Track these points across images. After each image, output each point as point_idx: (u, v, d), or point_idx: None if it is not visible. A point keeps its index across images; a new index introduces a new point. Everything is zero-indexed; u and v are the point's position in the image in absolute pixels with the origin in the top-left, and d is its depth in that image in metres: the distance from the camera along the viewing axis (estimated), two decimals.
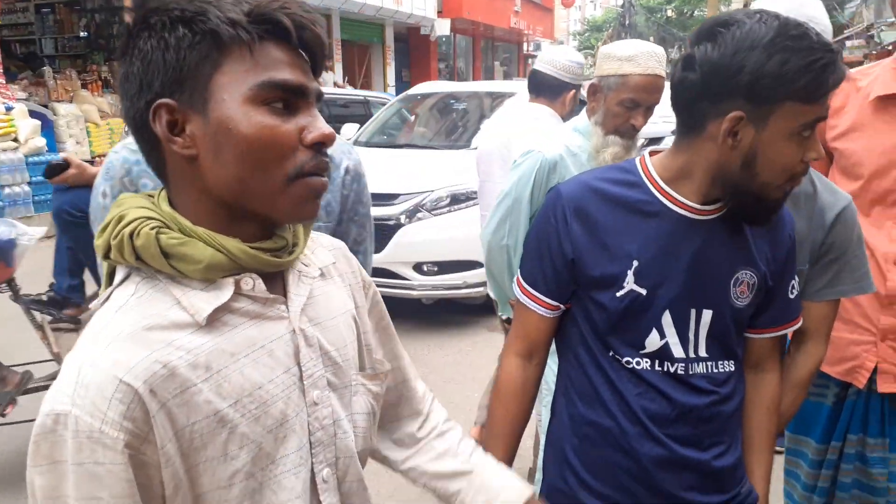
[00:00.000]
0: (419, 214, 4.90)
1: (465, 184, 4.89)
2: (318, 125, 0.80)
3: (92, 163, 5.77)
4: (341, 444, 0.91)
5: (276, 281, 0.87)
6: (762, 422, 1.35)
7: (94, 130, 9.72)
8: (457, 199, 4.95)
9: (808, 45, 1.04)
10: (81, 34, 12.01)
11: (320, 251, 0.98)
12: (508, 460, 1.37)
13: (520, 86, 6.80)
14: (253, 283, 0.82)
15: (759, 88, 1.06)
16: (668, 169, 1.21)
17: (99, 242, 0.81)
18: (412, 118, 6.83)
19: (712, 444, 1.26)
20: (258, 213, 0.81)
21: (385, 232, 4.74)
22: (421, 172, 5.19)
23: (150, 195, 0.85)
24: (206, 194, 0.80)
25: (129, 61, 0.78)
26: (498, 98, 6.27)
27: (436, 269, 4.82)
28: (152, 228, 0.77)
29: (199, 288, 0.79)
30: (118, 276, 0.81)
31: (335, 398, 0.91)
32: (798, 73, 1.04)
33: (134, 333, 0.75)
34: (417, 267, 4.83)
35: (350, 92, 10.64)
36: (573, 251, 1.24)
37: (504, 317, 2.58)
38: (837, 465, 1.87)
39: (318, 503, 0.88)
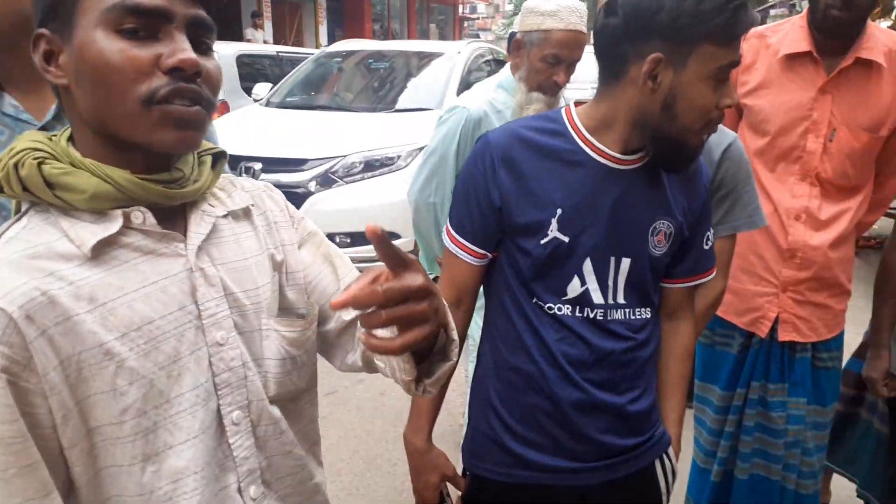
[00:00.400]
0: (330, 181, 4.57)
1: (381, 148, 4.64)
2: (177, 50, 0.76)
3: None
4: (252, 386, 0.89)
5: (178, 219, 0.85)
6: (676, 368, 1.41)
7: None
8: (371, 166, 4.65)
9: None
10: None
11: (238, 194, 0.95)
12: (436, 403, 1.39)
13: (448, 46, 6.53)
14: (143, 217, 0.80)
15: (677, 28, 1.09)
16: (591, 118, 1.24)
17: None
18: (335, 74, 6.48)
19: (628, 389, 1.30)
20: (125, 140, 0.78)
21: (293, 200, 4.50)
22: (334, 136, 4.82)
23: (54, 134, 0.84)
24: (84, 124, 0.80)
25: None
26: (426, 58, 6.05)
27: (349, 240, 4.44)
28: (35, 159, 0.77)
29: (87, 220, 0.78)
30: (24, 207, 0.81)
31: (242, 341, 0.89)
32: (713, 11, 1.08)
33: (16, 261, 0.75)
34: (329, 238, 4.59)
35: (262, 48, 9.77)
36: (500, 199, 1.25)
37: (432, 276, 2.59)
38: (742, 411, 1.96)
39: (228, 445, 0.87)
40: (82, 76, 0.76)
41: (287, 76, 6.45)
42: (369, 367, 1.00)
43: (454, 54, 5.93)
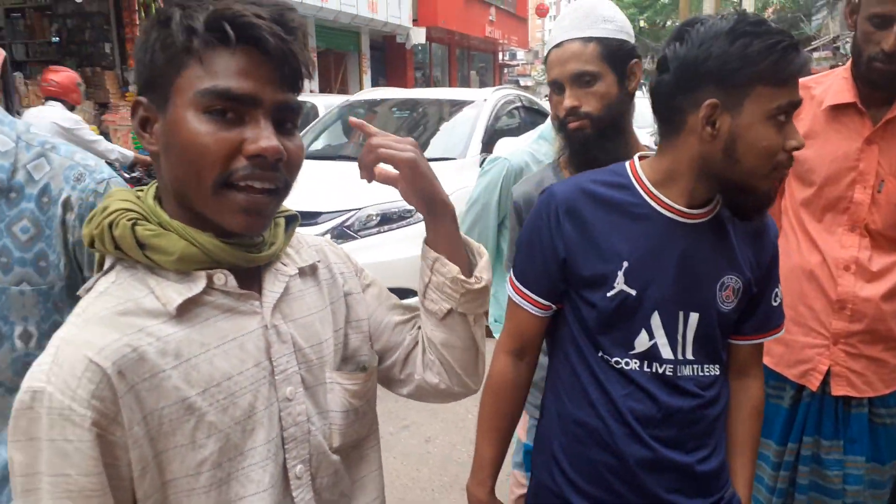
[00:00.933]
0: (346, 235, 4.35)
1: (398, 201, 4.30)
2: (260, 136, 0.80)
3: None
4: (314, 440, 0.93)
5: (253, 278, 0.90)
6: (746, 427, 1.38)
7: None
8: (388, 219, 4.42)
9: (766, 30, 1.11)
10: (53, 40, 11.85)
11: (306, 251, 1.00)
12: (499, 457, 1.41)
13: (476, 94, 6.39)
14: (225, 279, 0.85)
15: (726, 72, 1.11)
16: (655, 171, 1.25)
17: (85, 232, 0.85)
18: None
19: (696, 447, 1.28)
20: (202, 212, 0.83)
21: None
22: (351, 187, 4.46)
23: (141, 190, 0.89)
24: (170, 191, 0.85)
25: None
26: (454, 106, 5.90)
27: None
28: (129, 220, 0.82)
29: (173, 279, 0.83)
30: (106, 265, 0.85)
31: (309, 395, 0.93)
32: (761, 53, 1.10)
33: (108, 317, 0.79)
34: None
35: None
36: (565, 250, 1.27)
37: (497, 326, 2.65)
38: (795, 467, 1.91)
39: (291, 499, 0.90)
40: (170, 149, 0.81)
41: (310, 125, 6.37)
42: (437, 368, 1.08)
43: (481, 102, 5.77)
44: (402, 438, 3.41)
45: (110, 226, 0.82)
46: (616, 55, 1.51)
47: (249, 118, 0.81)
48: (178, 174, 0.82)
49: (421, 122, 6.06)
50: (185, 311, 0.82)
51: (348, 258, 1.09)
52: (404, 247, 4.25)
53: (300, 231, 1.03)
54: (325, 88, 16.05)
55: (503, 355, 1.40)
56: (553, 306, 1.34)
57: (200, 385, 0.81)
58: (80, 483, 0.74)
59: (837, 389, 1.82)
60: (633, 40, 1.57)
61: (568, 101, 1.51)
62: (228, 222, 0.83)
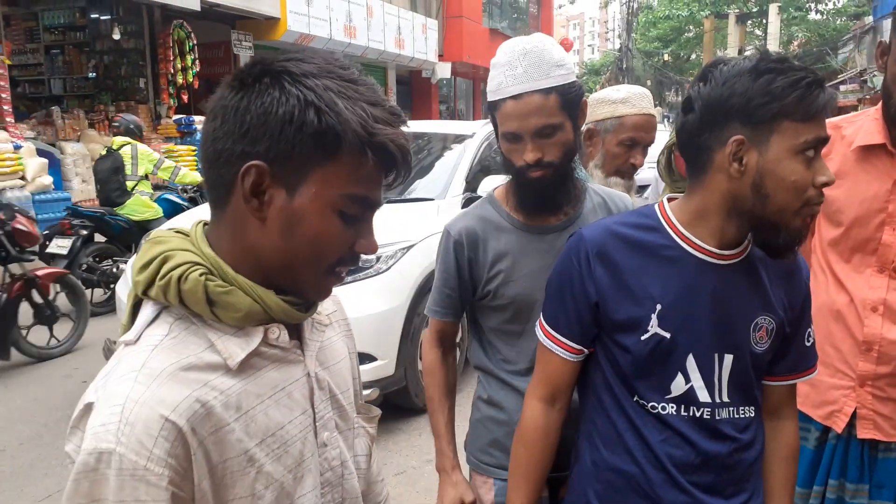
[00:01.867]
0: None
1: None
2: (371, 239, 0.88)
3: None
4: (347, 484, 0.96)
5: (293, 328, 0.93)
6: (782, 470, 1.36)
7: None
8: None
9: (789, 67, 1.12)
10: (90, 75, 12.23)
11: (326, 301, 1.03)
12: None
13: (471, 127, 5.71)
14: (279, 333, 0.88)
15: (751, 109, 1.11)
16: (685, 212, 1.25)
17: (140, 279, 0.84)
18: None
19: (735, 493, 1.26)
20: (291, 285, 0.87)
21: None
22: None
23: (186, 233, 0.89)
24: (253, 251, 0.85)
25: (244, 100, 0.81)
26: (446, 141, 5.47)
27: None
28: (201, 275, 0.82)
29: (230, 333, 0.84)
30: (148, 312, 0.84)
31: (342, 440, 0.96)
32: (785, 90, 1.10)
33: (174, 373, 0.79)
34: None
35: None
36: (596, 294, 1.26)
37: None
38: None
39: None
40: (293, 234, 0.83)
41: None
42: None
43: (469, 136, 5.23)
44: (427, 472, 3.39)
45: (180, 279, 0.82)
46: (572, 102, 1.52)
47: (367, 219, 0.88)
48: (294, 253, 0.84)
49: (426, 157, 5.62)
50: (243, 364, 0.84)
51: (346, 317, 1.13)
52: (362, 302, 3.72)
53: None
54: None
55: (534, 402, 1.38)
56: (585, 350, 1.33)
57: (258, 436, 0.83)
58: None
59: (864, 432, 1.80)
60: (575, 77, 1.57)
61: (531, 155, 1.50)
62: (318, 296, 0.90)
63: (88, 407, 0.78)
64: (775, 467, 1.36)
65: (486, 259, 1.62)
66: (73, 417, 0.79)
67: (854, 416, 1.81)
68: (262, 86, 0.81)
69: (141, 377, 0.77)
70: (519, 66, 1.48)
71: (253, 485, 0.82)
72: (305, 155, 0.81)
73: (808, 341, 1.36)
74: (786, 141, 1.12)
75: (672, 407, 1.24)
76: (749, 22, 31.20)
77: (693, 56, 36.58)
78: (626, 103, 2.06)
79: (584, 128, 2.09)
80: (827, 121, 1.17)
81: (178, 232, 0.90)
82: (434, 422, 1.69)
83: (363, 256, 0.90)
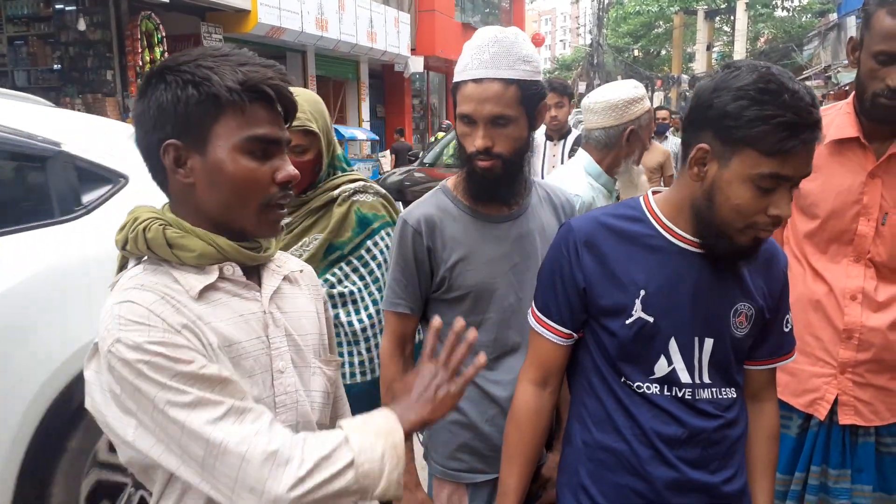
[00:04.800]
0: None
1: None
2: (286, 168, 1.06)
3: None
4: (301, 409, 1.13)
5: (253, 275, 1.13)
6: (763, 450, 1.42)
7: None
8: None
9: (775, 101, 1.11)
10: (55, 67, 11.94)
11: (290, 262, 1.23)
12: (523, 486, 1.43)
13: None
14: (233, 270, 1.08)
15: (721, 126, 1.16)
16: (667, 203, 1.31)
17: (119, 237, 1.06)
18: None
19: (720, 468, 1.31)
20: (235, 228, 1.07)
21: None
22: None
23: (154, 207, 1.10)
24: (199, 211, 1.06)
25: (145, 102, 1.03)
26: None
27: None
28: (160, 225, 1.03)
29: (192, 272, 1.04)
30: (131, 264, 1.07)
31: (297, 373, 1.14)
32: (754, 121, 1.12)
33: (144, 287, 1.00)
34: None
35: None
36: (584, 280, 1.32)
37: None
38: (801, 497, 1.91)
39: None
40: (216, 184, 1.03)
41: None
42: None
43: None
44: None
45: (144, 230, 1.02)
46: (531, 99, 1.53)
47: (274, 154, 1.06)
48: (225, 202, 1.04)
49: None
50: (203, 295, 1.04)
51: (322, 290, 1.31)
52: None
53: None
54: None
55: (527, 384, 1.43)
56: (574, 335, 1.38)
57: (220, 341, 1.02)
58: (185, 354, 0.96)
59: (845, 418, 1.84)
60: (541, 78, 1.58)
61: (482, 142, 1.50)
62: (263, 232, 1.09)
63: (95, 344, 1.00)
64: (758, 448, 1.42)
65: (443, 247, 1.61)
66: (88, 352, 1.02)
67: (835, 402, 1.84)
68: (152, 86, 1.02)
69: (120, 296, 0.99)
70: (487, 51, 1.50)
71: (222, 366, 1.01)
72: (200, 120, 1.01)
73: (787, 327, 1.42)
74: (743, 167, 1.15)
75: (656, 387, 1.29)
76: (717, 18, 31.61)
77: (662, 52, 37.00)
78: (645, 96, 2.19)
79: (626, 130, 2.15)
80: None
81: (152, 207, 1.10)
82: None
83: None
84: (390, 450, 1.02)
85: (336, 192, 1.94)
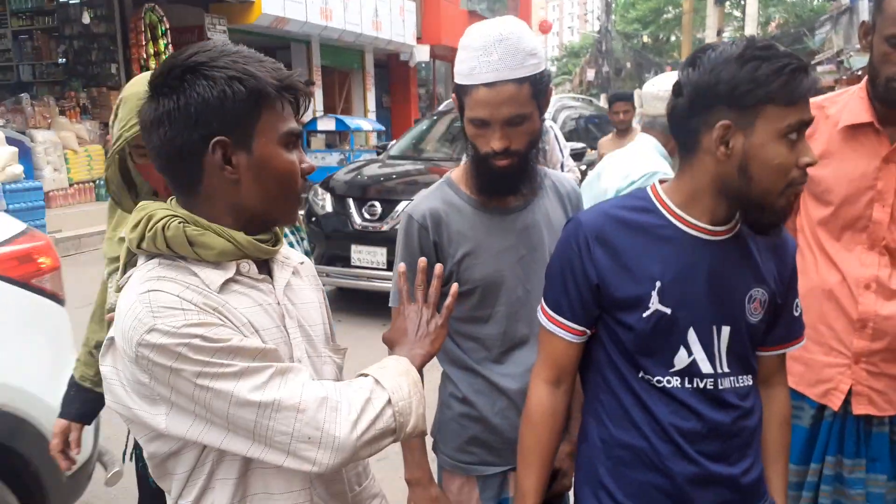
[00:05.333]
0: None
1: None
2: (306, 159, 1.13)
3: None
4: None
5: (263, 270, 1.15)
6: (776, 435, 1.43)
7: (72, 157, 9.66)
8: None
9: (774, 54, 1.15)
10: (60, 61, 11.96)
11: (293, 254, 1.26)
12: (541, 487, 1.42)
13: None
14: (249, 267, 1.10)
15: (738, 94, 1.16)
16: (677, 192, 1.29)
17: (133, 236, 1.05)
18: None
19: (739, 459, 1.32)
20: (271, 219, 1.12)
21: None
22: None
23: (163, 204, 1.10)
24: (235, 206, 1.08)
25: (178, 100, 1.01)
26: None
27: None
28: (179, 223, 1.03)
29: (210, 268, 1.05)
30: (140, 262, 1.07)
31: (310, 363, 1.15)
32: (770, 76, 1.14)
33: (167, 279, 1.01)
34: None
35: None
36: (597, 275, 1.30)
37: None
38: (817, 487, 1.89)
39: None
40: (262, 178, 1.06)
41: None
42: None
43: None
44: None
45: (164, 228, 1.02)
46: (542, 91, 1.51)
47: (296, 147, 1.11)
48: (269, 194, 1.08)
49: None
50: (223, 288, 1.05)
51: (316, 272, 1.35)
52: None
53: None
54: (329, 106, 16.14)
55: (540, 384, 1.41)
56: (588, 331, 1.36)
57: (248, 329, 1.04)
58: (223, 333, 0.99)
59: (859, 408, 1.81)
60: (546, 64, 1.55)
61: (500, 143, 1.48)
62: (292, 219, 1.15)
63: (111, 339, 1.02)
64: (770, 433, 1.42)
65: (450, 241, 1.59)
66: (103, 348, 1.04)
67: (849, 393, 1.81)
68: (188, 82, 1.01)
69: (143, 287, 0.99)
70: (494, 52, 1.45)
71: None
72: (245, 116, 1.03)
73: (797, 311, 1.42)
74: (770, 125, 1.16)
75: (677, 380, 1.28)
76: (727, 3, 31.33)
77: (672, 38, 36.72)
78: None
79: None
80: (811, 100, 1.19)
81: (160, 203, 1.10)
82: None
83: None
84: (413, 387, 1.11)
85: None
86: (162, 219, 1.03)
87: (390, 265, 5.35)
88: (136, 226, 1.05)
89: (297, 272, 1.22)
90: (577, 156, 5.93)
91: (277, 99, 1.05)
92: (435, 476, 1.69)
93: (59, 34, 11.89)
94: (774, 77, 1.13)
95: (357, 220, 5.79)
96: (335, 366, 1.22)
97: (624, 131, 5.86)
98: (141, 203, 1.09)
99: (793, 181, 1.19)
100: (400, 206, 5.53)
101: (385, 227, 5.63)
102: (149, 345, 0.94)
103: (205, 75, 1.00)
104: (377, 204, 5.78)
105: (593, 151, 6.74)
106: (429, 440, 1.69)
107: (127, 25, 11.04)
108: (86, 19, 10.84)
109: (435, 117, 7.92)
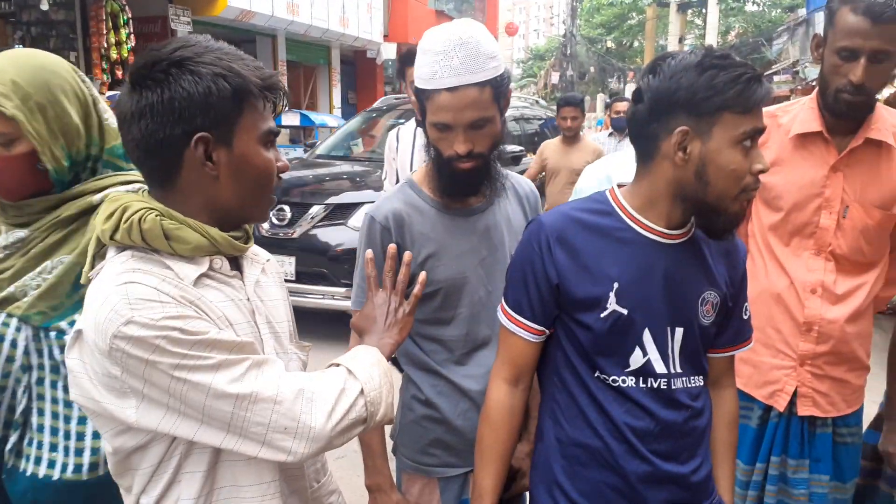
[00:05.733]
0: None
1: None
2: (281, 157, 1.13)
3: None
4: None
5: (234, 265, 1.16)
6: (725, 435, 1.47)
7: None
8: None
9: (731, 63, 1.20)
10: (16, 47, 11.61)
11: (261, 252, 1.28)
12: (498, 486, 1.43)
13: None
14: (221, 263, 1.11)
15: (696, 102, 1.19)
16: (635, 196, 1.33)
17: (106, 227, 1.04)
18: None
19: (689, 458, 1.35)
20: (244, 217, 1.13)
21: None
22: None
23: (136, 194, 1.10)
24: (212, 202, 1.08)
25: (161, 94, 1.00)
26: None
27: None
28: (156, 216, 1.03)
29: (184, 262, 1.06)
30: (111, 253, 1.06)
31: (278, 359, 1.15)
32: (727, 84, 1.18)
33: (141, 272, 1.01)
34: None
35: None
36: (558, 276, 1.32)
37: None
38: (763, 486, 1.94)
39: None
40: (241, 176, 1.07)
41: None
42: None
43: None
44: None
45: (140, 220, 1.02)
46: (503, 94, 1.53)
47: (273, 146, 1.12)
48: (245, 191, 1.09)
49: None
50: (196, 284, 1.06)
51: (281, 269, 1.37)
52: None
53: None
54: (294, 101, 15.95)
55: (499, 383, 1.43)
56: (546, 331, 1.38)
57: (222, 322, 1.05)
58: (200, 325, 0.99)
59: (803, 410, 1.87)
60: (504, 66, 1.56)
61: (464, 146, 1.49)
62: (264, 216, 1.16)
63: (79, 332, 1.00)
64: (719, 433, 1.46)
65: (412, 243, 1.58)
66: (69, 341, 1.03)
67: (794, 394, 1.87)
68: (173, 76, 1.00)
69: (118, 279, 0.99)
70: (455, 56, 1.45)
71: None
72: (228, 114, 1.03)
73: (746, 314, 1.46)
74: (727, 132, 1.20)
75: (631, 379, 1.31)
76: (689, 11, 31.85)
77: (635, 43, 37.19)
78: None
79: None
80: (763, 110, 1.23)
81: (133, 193, 1.12)
82: (367, 440, 1.62)
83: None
84: (384, 377, 1.13)
85: (98, 197, 1.36)
86: (138, 210, 1.03)
87: (300, 276, 5.20)
88: (109, 217, 1.05)
89: (265, 270, 1.24)
90: (514, 159, 5.43)
91: (260, 98, 1.06)
92: (394, 478, 1.69)
93: (16, 20, 11.53)
94: (731, 85, 1.17)
95: (264, 225, 5.23)
96: (300, 362, 1.24)
97: (571, 138, 5.54)
98: (112, 194, 1.08)
99: (746, 187, 1.23)
100: (312, 211, 5.20)
101: (295, 234, 5.20)
102: (125, 337, 0.94)
103: (191, 70, 1.00)
104: (286, 208, 5.23)
105: (532, 155, 6.21)
106: (389, 443, 1.70)
107: (87, 13, 10.76)
108: (44, 6, 10.53)
109: (374, 114, 7.06)
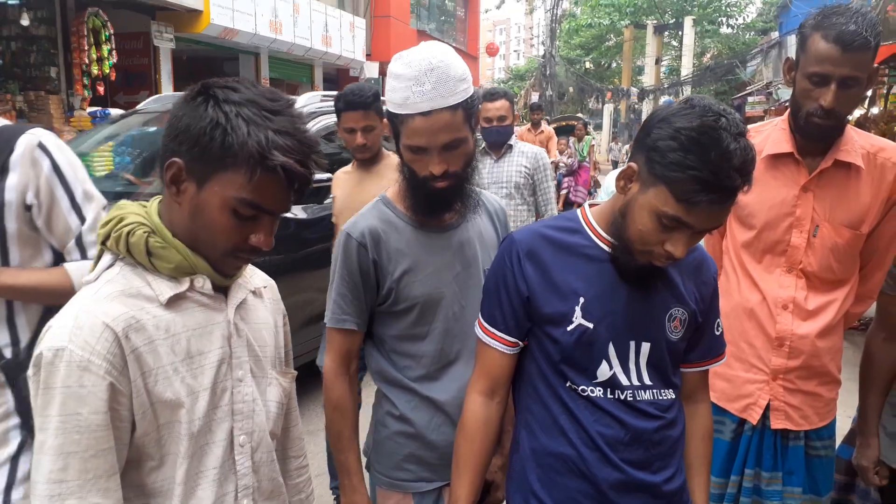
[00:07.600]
0: None
1: None
2: (263, 236, 1.10)
3: None
4: (258, 418, 1.20)
5: (221, 287, 1.17)
6: (699, 448, 1.50)
7: None
8: None
9: (700, 154, 1.15)
10: None
11: (256, 277, 1.30)
12: (473, 497, 1.44)
13: None
14: (203, 283, 1.13)
15: (650, 156, 1.22)
16: (602, 216, 1.39)
17: (101, 232, 1.11)
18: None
19: (662, 468, 1.37)
20: (200, 255, 1.11)
21: None
22: None
23: (143, 205, 1.14)
24: (175, 225, 1.11)
25: (182, 112, 1.06)
26: None
27: None
28: (144, 232, 1.08)
29: (165, 279, 1.10)
30: (106, 260, 1.11)
31: (255, 383, 1.20)
32: (673, 165, 1.18)
33: (118, 296, 1.06)
34: None
35: None
36: (528, 289, 1.37)
37: None
38: (737, 499, 1.97)
39: (234, 461, 1.16)
40: (197, 216, 1.08)
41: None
42: None
43: None
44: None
45: (128, 234, 1.07)
46: (472, 114, 1.56)
47: (262, 220, 1.09)
48: (196, 234, 1.09)
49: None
50: (173, 302, 1.10)
51: (282, 305, 1.36)
52: None
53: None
54: None
55: (476, 395, 1.45)
56: (520, 343, 1.42)
57: (182, 355, 1.09)
58: (90, 420, 0.99)
59: (776, 423, 1.91)
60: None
61: (439, 168, 1.52)
62: (222, 270, 1.14)
63: (49, 326, 1.03)
64: (693, 446, 1.50)
65: (389, 259, 1.60)
66: (39, 339, 1.03)
67: (767, 408, 1.91)
68: (196, 103, 1.05)
69: (93, 297, 1.05)
70: (427, 81, 1.47)
71: (179, 390, 1.07)
72: (211, 161, 1.04)
73: (717, 330, 1.50)
74: (657, 200, 1.22)
75: (599, 390, 1.35)
76: (666, 33, 32.32)
77: (613, 64, 37.67)
78: None
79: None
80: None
81: (142, 205, 1.15)
82: (344, 459, 1.63)
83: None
84: None
85: None
86: (130, 224, 1.08)
87: None
88: (107, 223, 1.11)
89: (259, 293, 1.27)
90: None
91: (245, 167, 1.03)
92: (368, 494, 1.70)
93: None
94: (675, 169, 1.18)
95: None
96: (281, 388, 1.26)
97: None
98: (121, 202, 1.14)
99: (651, 252, 1.28)
100: None
101: None
102: (42, 361, 1.00)
103: (206, 106, 1.04)
104: None
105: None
106: (363, 459, 1.70)
107: (69, 29, 10.72)
108: (25, 21, 10.47)
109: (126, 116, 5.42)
